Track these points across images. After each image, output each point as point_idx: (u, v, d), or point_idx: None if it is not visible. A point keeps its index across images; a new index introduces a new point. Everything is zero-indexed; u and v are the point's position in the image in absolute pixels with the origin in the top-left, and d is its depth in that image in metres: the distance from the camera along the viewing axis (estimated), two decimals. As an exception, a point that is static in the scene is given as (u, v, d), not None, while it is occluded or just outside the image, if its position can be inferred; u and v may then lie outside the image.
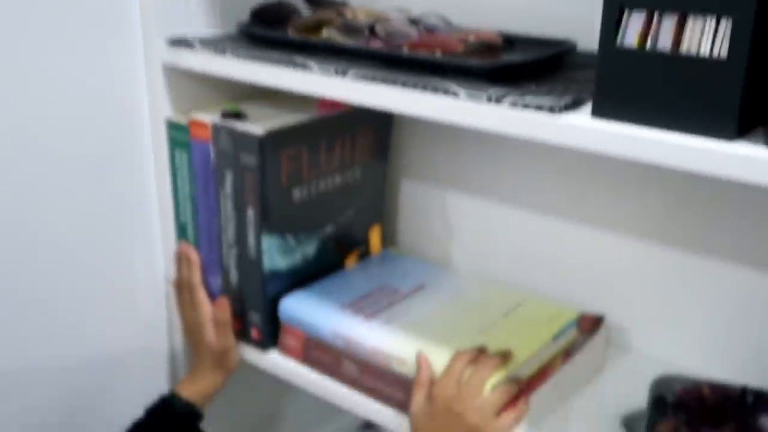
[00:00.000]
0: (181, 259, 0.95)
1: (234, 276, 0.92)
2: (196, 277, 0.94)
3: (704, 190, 0.83)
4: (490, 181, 0.99)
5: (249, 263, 0.90)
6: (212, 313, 0.93)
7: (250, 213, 0.88)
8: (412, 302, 0.91)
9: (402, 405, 0.81)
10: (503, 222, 0.99)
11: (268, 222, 0.88)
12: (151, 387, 1.00)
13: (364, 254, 1.03)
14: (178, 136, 0.92)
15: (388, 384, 0.82)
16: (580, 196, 0.92)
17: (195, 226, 0.95)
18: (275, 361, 0.92)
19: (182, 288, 0.96)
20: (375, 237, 1.04)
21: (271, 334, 0.92)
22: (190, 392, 0.93)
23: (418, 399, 0.77)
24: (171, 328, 1.03)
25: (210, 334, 0.92)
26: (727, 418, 0.73)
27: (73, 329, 0.94)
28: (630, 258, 0.90)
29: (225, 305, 0.92)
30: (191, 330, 0.96)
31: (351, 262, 1.00)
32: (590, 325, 0.89)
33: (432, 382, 0.78)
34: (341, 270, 0.99)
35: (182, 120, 0.91)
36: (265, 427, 1.18)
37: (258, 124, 0.86)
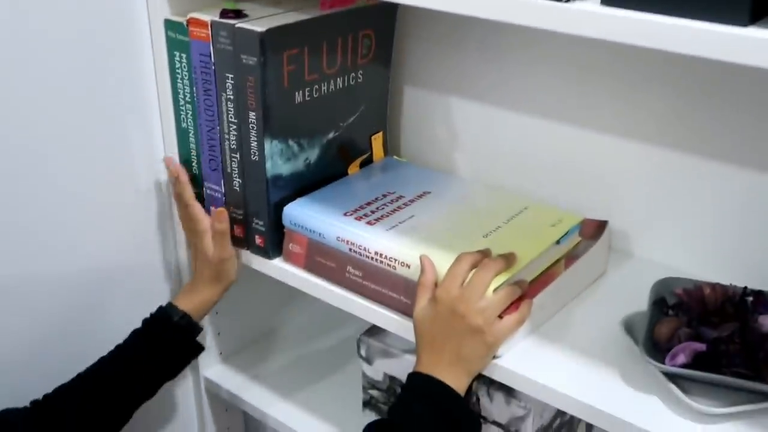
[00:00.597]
0: (170, 175, 0.96)
1: (237, 182, 0.93)
2: (188, 193, 0.94)
3: (711, 91, 0.83)
4: (494, 86, 0.99)
5: (252, 169, 0.91)
6: (210, 223, 0.93)
7: (252, 116, 0.88)
8: (416, 208, 0.91)
9: (406, 309, 0.83)
10: (507, 128, 0.99)
11: (270, 126, 0.88)
12: (155, 299, 1.02)
13: (368, 161, 1.03)
14: (177, 36, 0.91)
15: (392, 288, 0.84)
16: (585, 100, 0.92)
17: (196, 131, 0.95)
18: (280, 268, 0.93)
19: (179, 202, 0.96)
20: (378, 144, 1.04)
21: (275, 241, 0.93)
22: (187, 304, 0.94)
23: (422, 301, 0.79)
24: (176, 240, 1.04)
25: (208, 245, 0.93)
26: (728, 318, 0.74)
27: (74, 240, 0.95)
28: (634, 162, 0.91)
29: (224, 216, 0.92)
30: (191, 242, 0.97)
31: (354, 169, 1.01)
32: (593, 230, 0.91)
33: (435, 285, 0.79)
34: (344, 177, 0.99)
35: (181, 19, 0.90)
36: (270, 335, 1.21)
37: (258, 22, 0.85)
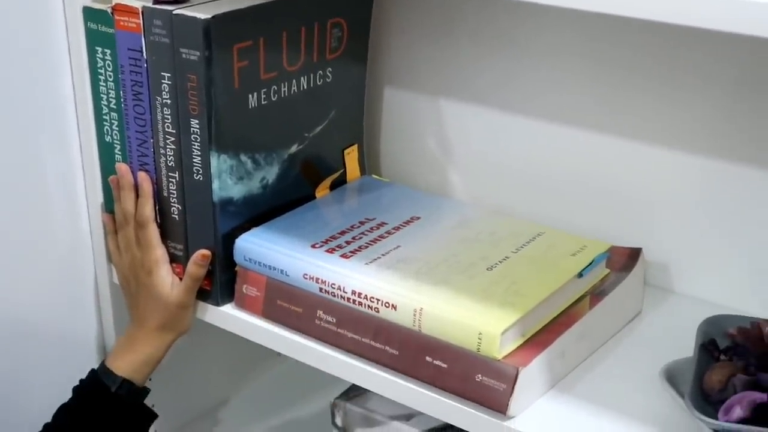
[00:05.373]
0: (121, 188, 0.96)
1: (176, 209, 0.94)
2: (148, 210, 0.94)
3: (765, 92, 0.86)
4: (494, 86, 1.01)
5: (195, 191, 0.92)
6: (188, 268, 0.93)
7: (195, 125, 0.89)
8: (403, 236, 0.93)
9: (393, 363, 0.84)
10: (513, 137, 1.02)
11: (217, 137, 0.89)
12: (77, 358, 1.02)
13: (340, 182, 1.05)
14: (100, 27, 0.93)
15: (375, 337, 0.85)
16: (608, 101, 0.95)
17: (123, 145, 0.96)
18: (231, 316, 0.94)
19: (122, 224, 0.97)
20: (353, 160, 1.05)
21: (225, 282, 0.94)
22: (126, 365, 0.94)
23: None
24: (97, 279, 1.05)
25: (162, 281, 0.94)
26: (794, 361, 0.76)
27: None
28: (673, 178, 0.93)
29: (207, 260, 0.92)
30: (132, 278, 0.97)
31: (323, 191, 1.02)
32: (624, 259, 0.93)
33: None
34: (311, 201, 1.01)
35: (104, 6, 0.92)
36: (219, 408, 1.21)
37: (202, 8, 0.87)
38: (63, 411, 0.94)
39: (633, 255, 0.93)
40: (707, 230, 0.93)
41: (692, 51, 0.88)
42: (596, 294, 0.89)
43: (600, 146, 0.96)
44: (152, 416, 0.98)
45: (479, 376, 0.79)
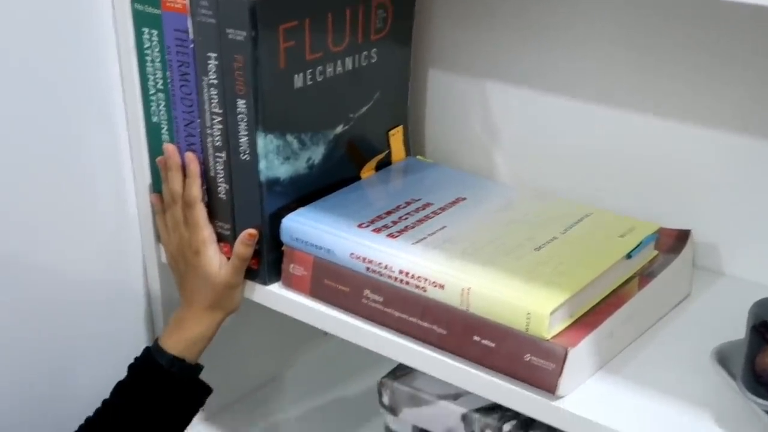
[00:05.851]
0: (169, 168, 0.96)
1: (223, 189, 0.95)
2: (195, 190, 0.95)
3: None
4: (539, 68, 1.01)
5: (242, 171, 0.92)
6: (236, 245, 0.94)
7: (242, 105, 0.90)
8: (449, 217, 0.93)
9: (440, 342, 0.84)
10: (558, 119, 1.01)
11: (264, 117, 0.90)
12: (128, 337, 1.03)
13: (385, 163, 1.05)
14: (146, 8, 0.94)
15: (422, 316, 0.85)
16: (656, 80, 0.94)
17: (170, 126, 0.97)
18: (278, 296, 0.94)
19: (171, 204, 0.97)
20: (397, 141, 1.06)
21: (272, 261, 0.95)
22: (177, 344, 0.96)
23: None
24: (144, 259, 1.06)
25: (210, 261, 0.94)
26: None
27: (18, 277, 0.96)
28: (724, 157, 0.93)
29: (254, 239, 0.93)
30: (180, 257, 0.98)
31: (369, 172, 1.03)
32: (673, 241, 0.92)
33: None
34: (357, 181, 1.01)
35: (152, -13, 0.93)
36: (268, 385, 1.22)
37: (249, -12, 0.87)
38: (119, 388, 0.96)
39: (682, 237, 0.92)
40: (757, 211, 0.92)
41: (735, 28, 0.87)
42: (645, 275, 0.88)
43: (646, 126, 0.96)
44: (207, 390, 0.99)
45: (528, 355, 0.79)
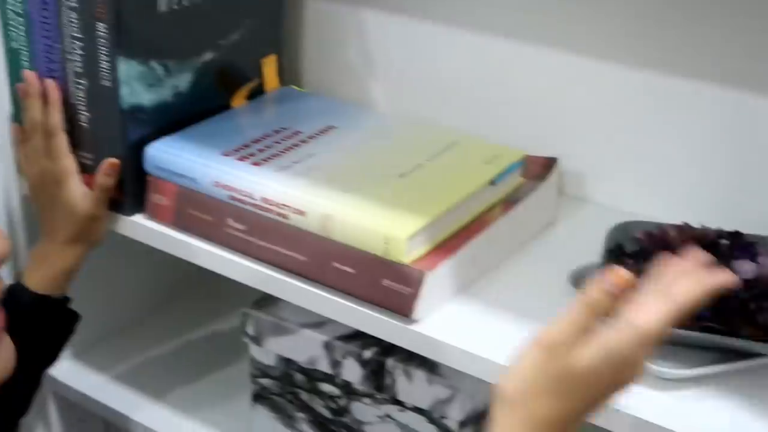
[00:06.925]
0: (30, 96, 0.94)
1: (84, 117, 0.92)
2: (56, 118, 0.92)
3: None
4: (417, -5, 1.00)
5: (103, 98, 0.90)
6: (97, 178, 0.92)
7: (102, 29, 0.87)
8: (317, 145, 0.93)
9: (303, 270, 0.84)
10: (435, 48, 1.01)
11: (125, 41, 0.88)
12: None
13: (257, 92, 1.03)
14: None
15: (285, 244, 0.85)
16: (525, 8, 0.94)
17: (31, 52, 0.94)
18: (142, 226, 0.93)
19: (31, 134, 0.94)
20: (270, 70, 1.04)
21: (136, 192, 0.93)
22: (42, 278, 0.94)
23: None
24: (7, 194, 1.03)
25: (73, 192, 0.92)
26: (697, 265, 0.77)
27: None
28: (589, 87, 0.94)
29: (116, 169, 0.91)
30: (41, 189, 0.95)
31: (240, 101, 1.01)
32: (539, 168, 0.93)
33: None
34: (226, 111, 1.00)
35: None
36: (134, 322, 1.21)
37: None
38: None
39: (548, 164, 0.93)
40: (621, 139, 0.94)
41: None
42: (509, 202, 0.89)
43: (517, 56, 0.96)
44: (75, 317, 0.98)
45: (386, 280, 0.79)
